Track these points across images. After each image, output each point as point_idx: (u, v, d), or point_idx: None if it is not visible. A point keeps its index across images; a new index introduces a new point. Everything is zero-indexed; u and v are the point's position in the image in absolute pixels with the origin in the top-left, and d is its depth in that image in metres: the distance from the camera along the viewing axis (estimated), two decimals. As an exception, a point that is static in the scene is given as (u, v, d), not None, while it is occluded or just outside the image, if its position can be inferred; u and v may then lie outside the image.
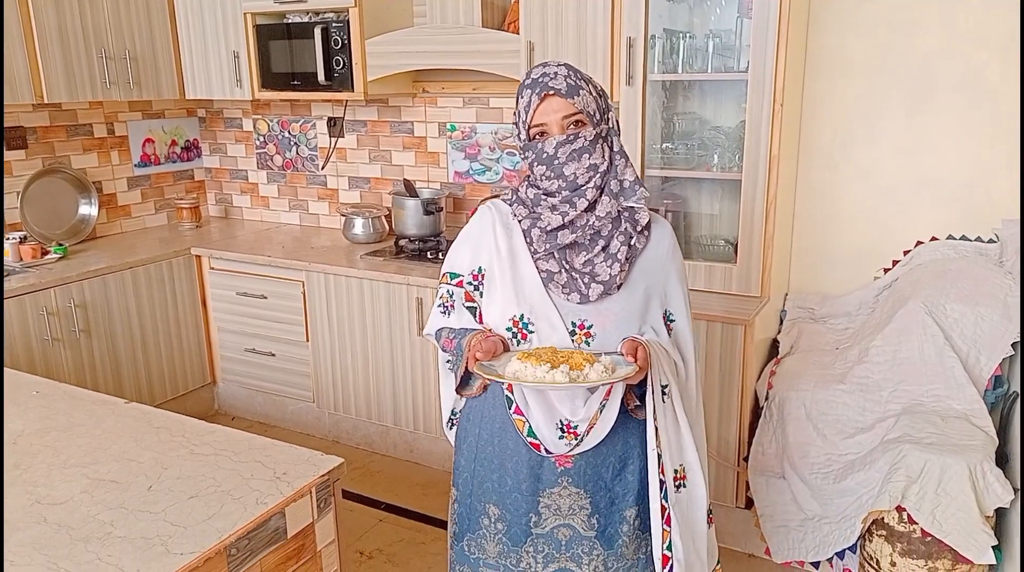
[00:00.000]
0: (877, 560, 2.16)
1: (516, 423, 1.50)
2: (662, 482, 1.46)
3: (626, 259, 1.45)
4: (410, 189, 3.46)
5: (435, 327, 1.60)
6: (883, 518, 2.12)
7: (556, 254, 1.46)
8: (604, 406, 1.45)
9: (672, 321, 1.55)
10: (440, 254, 3.21)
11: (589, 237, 1.45)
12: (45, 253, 3.19)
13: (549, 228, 1.44)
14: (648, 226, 1.49)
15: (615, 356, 1.42)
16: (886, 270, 2.77)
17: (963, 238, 2.64)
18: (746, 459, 2.56)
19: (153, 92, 3.48)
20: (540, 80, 1.41)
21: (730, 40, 2.66)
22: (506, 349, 1.47)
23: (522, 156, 1.48)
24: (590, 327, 1.46)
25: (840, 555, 2.33)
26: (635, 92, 2.64)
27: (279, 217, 4.06)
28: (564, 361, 1.35)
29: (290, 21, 3.29)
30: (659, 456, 1.45)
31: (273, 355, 3.44)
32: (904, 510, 2.06)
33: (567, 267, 1.45)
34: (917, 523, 2.04)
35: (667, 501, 1.46)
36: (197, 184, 4.17)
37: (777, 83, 2.45)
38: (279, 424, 3.58)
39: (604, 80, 2.74)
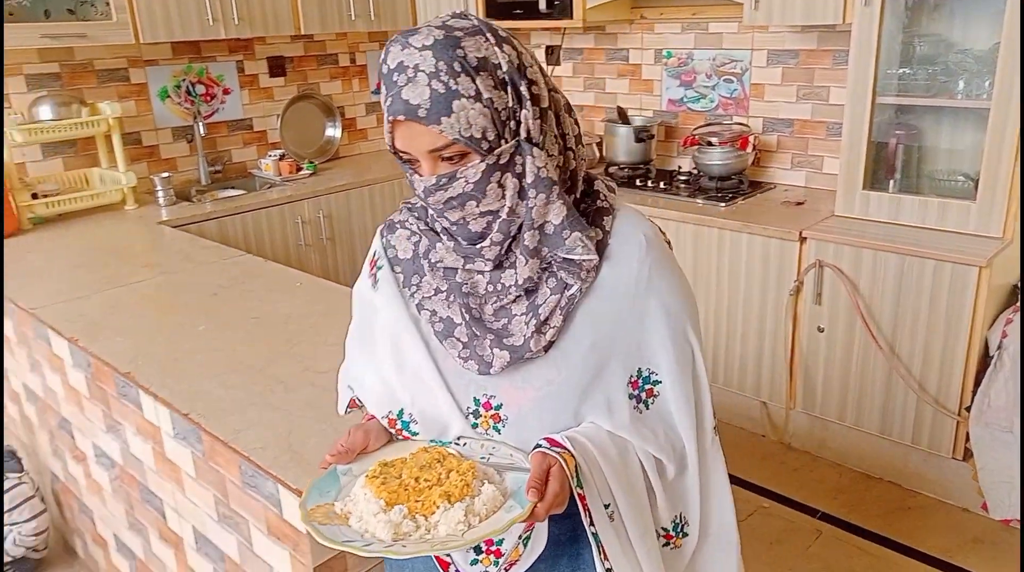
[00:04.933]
0: (1115, 528, 1.98)
1: None
2: None
3: (557, 308, 0.96)
4: (623, 116, 3.49)
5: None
6: None
7: (459, 295, 0.99)
8: (527, 539, 0.99)
9: (655, 384, 1.00)
10: (649, 181, 3.24)
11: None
12: (299, 169, 3.63)
13: (443, 266, 1.00)
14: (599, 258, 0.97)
15: (520, 474, 0.94)
16: None
17: None
18: (968, 409, 2.41)
19: (389, 23, 3.76)
20: (393, 83, 0.89)
21: (992, -51, 2.39)
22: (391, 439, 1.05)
23: None
24: (499, 408, 0.98)
25: (1070, 518, 2.16)
26: (872, 12, 2.46)
27: (496, 143, 4.26)
28: (420, 492, 0.91)
29: (516, -50, 3.39)
30: None
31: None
32: None
33: (474, 316, 0.98)
34: None
35: None
36: (423, 111, 4.47)
37: (1047, -3, 2.18)
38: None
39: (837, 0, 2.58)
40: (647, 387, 1.00)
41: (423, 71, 0.87)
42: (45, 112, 2.90)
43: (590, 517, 0.94)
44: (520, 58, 0.93)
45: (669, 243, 1.06)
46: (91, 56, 3.15)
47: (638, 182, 3.27)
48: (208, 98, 3.53)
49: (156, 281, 2.26)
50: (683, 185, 3.20)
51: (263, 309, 2.02)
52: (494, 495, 0.91)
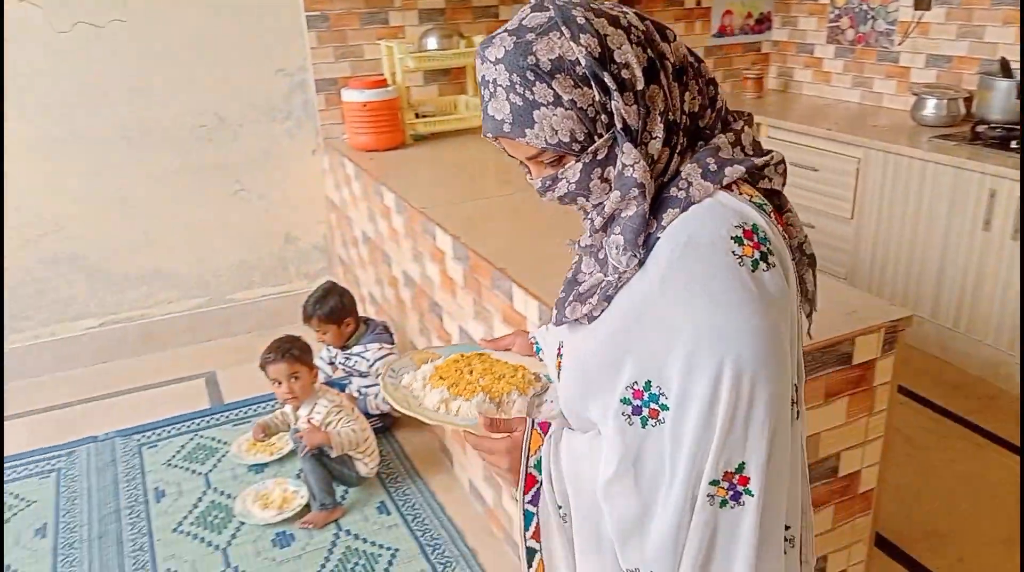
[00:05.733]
0: None
1: None
2: None
3: (598, 287, 0.95)
4: (1005, 69, 3.09)
5: None
6: None
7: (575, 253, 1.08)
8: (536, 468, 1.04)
9: (663, 408, 0.87)
10: (1028, 145, 2.86)
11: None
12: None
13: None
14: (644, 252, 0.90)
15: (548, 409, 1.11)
16: None
17: None
18: None
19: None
20: (482, 97, 0.92)
21: None
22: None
23: None
24: (561, 357, 1.06)
25: None
26: None
27: (839, 94, 4.01)
28: (455, 378, 1.15)
29: None
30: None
31: (813, 227, 3.55)
32: None
33: (573, 275, 1.05)
34: None
35: None
36: (763, 56, 4.34)
37: None
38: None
39: None
40: (652, 405, 0.88)
41: (501, 86, 0.87)
42: (431, 43, 3.33)
43: (532, 495, 1.01)
44: (604, 42, 0.85)
45: (766, 255, 0.85)
46: (470, -6, 3.53)
47: (1013, 144, 2.90)
48: (561, 36, 3.77)
49: (514, 198, 2.54)
50: (1072, 151, 2.78)
51: (611, 230, 2.17)
52: (471, 409, 1.09)
